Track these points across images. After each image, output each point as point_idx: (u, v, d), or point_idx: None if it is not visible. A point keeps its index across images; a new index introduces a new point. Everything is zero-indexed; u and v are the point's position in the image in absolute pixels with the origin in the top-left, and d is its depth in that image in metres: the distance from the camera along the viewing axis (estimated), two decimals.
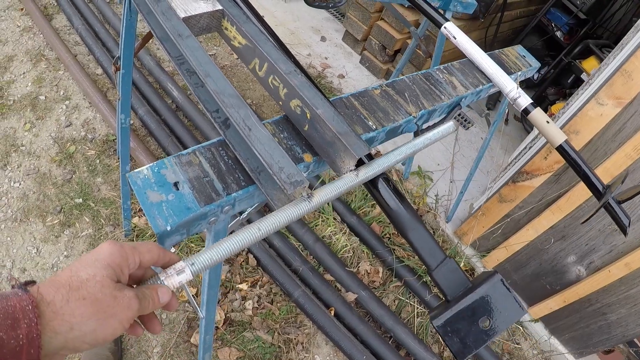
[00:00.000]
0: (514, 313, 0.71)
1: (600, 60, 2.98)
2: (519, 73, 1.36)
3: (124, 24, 1.22)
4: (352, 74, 3.28)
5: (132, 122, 1.91)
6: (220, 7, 0.92)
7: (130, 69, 1.39)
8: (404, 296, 2.14)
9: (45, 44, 2.75)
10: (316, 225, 2.23)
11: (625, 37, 1.71)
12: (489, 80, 1.19)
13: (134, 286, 0.52)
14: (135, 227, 1.94)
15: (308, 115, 0.77)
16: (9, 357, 0.36)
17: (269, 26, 0.96)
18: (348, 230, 2.27)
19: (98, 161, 2.22)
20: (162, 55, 2.83)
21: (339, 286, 2.05)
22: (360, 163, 0.76)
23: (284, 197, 0.70)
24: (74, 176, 2.15)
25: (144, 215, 1.99)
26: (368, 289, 2.01)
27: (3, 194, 2.03)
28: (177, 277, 0.55)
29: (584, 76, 3.05)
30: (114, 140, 2.31)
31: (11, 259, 1.85)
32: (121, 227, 1.94)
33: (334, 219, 2.29)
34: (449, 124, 0.92)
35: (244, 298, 1.87)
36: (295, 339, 1.84)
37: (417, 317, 2.10)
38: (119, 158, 2.15)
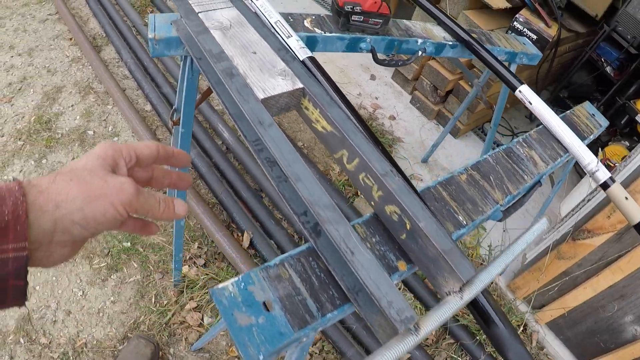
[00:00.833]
0: None
1: None
2: (592, 137, 1.31)
3: (185, 83, 1.18)
4: (403, 115, 3.22)
5: None
6: (301, 85, 0.87)
7: (190, 127, 1.35)
8: (456, 354, 2.04)
9: (94, 77, 2.78)
10: None
11: None
12: (566, 150, 1.15)
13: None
14: (185, 276, 1.90)
15: (407, 225, 0.71)
16: None
17: (354, 109, 0.91)
18: (403, 285, 2.20)
19: None
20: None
21: None
22: None
23: (385, 324, 0.64)
24: None
25: (194, 264, 1.96)
26: (421, 348, 1.93)
27: None
28: None
29: (639, 117, 2.93)
30: None
31: (56, 300, 1.84)
32: (170, 276, 1.90)
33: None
34: (543, 222, 0.84)
35: None
36: None
37: None
38: None
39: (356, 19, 1.18)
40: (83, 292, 1.88)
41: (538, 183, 1.13)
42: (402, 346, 0.60)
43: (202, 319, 1.85)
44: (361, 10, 1.17)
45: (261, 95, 0.81)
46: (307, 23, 1.18)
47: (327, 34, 1.18)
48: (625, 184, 1.82)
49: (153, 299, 1.87)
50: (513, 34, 1.69)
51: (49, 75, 2.74)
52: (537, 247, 2.53)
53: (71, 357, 1.69)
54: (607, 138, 3.29)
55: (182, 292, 1.88)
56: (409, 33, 1.35)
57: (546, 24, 2.61)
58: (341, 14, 1.17)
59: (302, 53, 0.99)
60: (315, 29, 1.17)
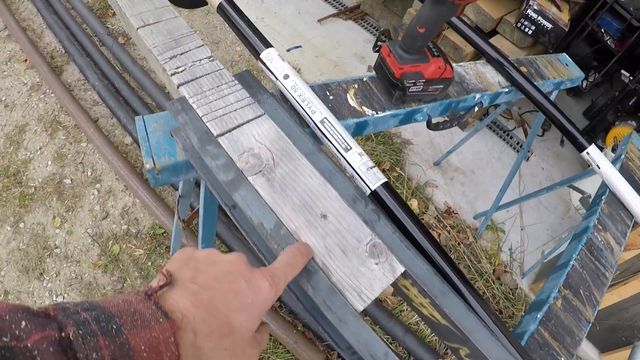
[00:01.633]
0: None
1: None
2: None
3: (203, 209, 0.93)
4: None
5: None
6: (402, 269, 0.62)
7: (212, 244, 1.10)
8: None
9: (59, 107, 2.41)
10: (401, 311, 1.97)
11: None
12: (631, 216, 1.13)
13: None
14: None
15: None
16: None
17: (474, 288, 0.66)
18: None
19: (150, 263, 1.91)
20: None
21: None
22: None
23: None
24: (125, 284, 1.85)
25: None
26: None
27: None
28: None
29: None
30: (163, 234, 2.00)
31: None
32: None
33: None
34: None
35: None
36: None
37: None
38: None
39: (415, 90, 0.91)
40: None
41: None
42: None
43: None
44: (423, 80, 0.90)
45: (360, 306, 0.56)
46: (351, 99, 0.91)
47: (380, 115, 0.91)
48: None
49: None
50: (554, 55, 1.45)
51: (7, 111, 2.36)
52: (556, 245, 2.47)
53: None
54: (612, 118, 3.14)
55: None
56: (465, 86, 1.09)
57: (558, 7, 2.42)
58: (397, 87, 0.90)
59: (372, 178, 0.73)
60: (364, 108, 0.90)
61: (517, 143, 3.15)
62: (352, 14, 3.45)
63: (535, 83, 1.19)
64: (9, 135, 2.26)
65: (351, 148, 0.75)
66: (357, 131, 0.92)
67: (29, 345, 0.29)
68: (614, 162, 1.28)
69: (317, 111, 0.77)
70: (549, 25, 2.36)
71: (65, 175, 2.13)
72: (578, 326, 0.87)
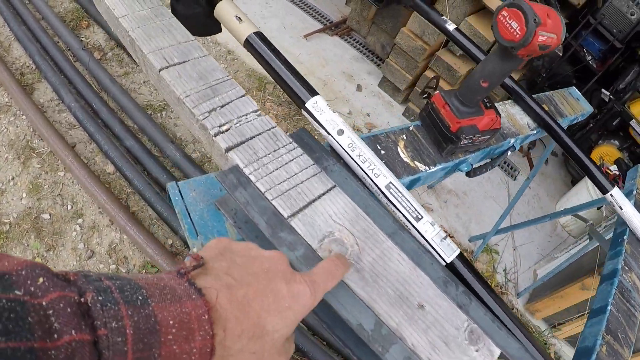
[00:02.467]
0: None
1: None
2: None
3: None
4: None
5: None
6: (498, 352, 0.56)
7: None
8: None
9: (32, 131, 2.24)
10: None
11: None
12: None
13: None
14: None
15: None
16: None
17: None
18: None
19: None
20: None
21: None
22: None
23: None
24: None
25: None
26: None
27: None
28: None
29: (633, 123, 2.87)
30: (156, 273, 1.87)
31: None
32: None
33: None
34: None
35: None
36: None
37: None
38: None
39: (466, 142, 0.86)
40: None
41: None
42: None
43: None
44: (479, 134, 0.85)
45: None
46: (402, 153, 0.85)
47: (432, 170, 0.85)
48: None
49: None
50: (566, 89, 1.46)
51: None
52: (548, 265, 2.54)
53: None
54: (597, 137, 3.22)
55: None
56: (501, 132, 1.05)
57: None
58: (451, 141, 0.84)
59: (447, 250, 0.67)
60: (417, 163, 0.85)
61: (505, 163, 3.19)
62: (338, 30, 3.41)
63: (559, 123, 1.16)
64: None
65: (422, 217, 0.68)
66: (409, 188, 0.86)
67: (43, 303, 0.26)
68: (628, 197, 1.29)
69: (380, 174, 0.70)
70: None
71: (43, 210, 1.97)
72: None
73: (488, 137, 0.91)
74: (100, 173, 2.12)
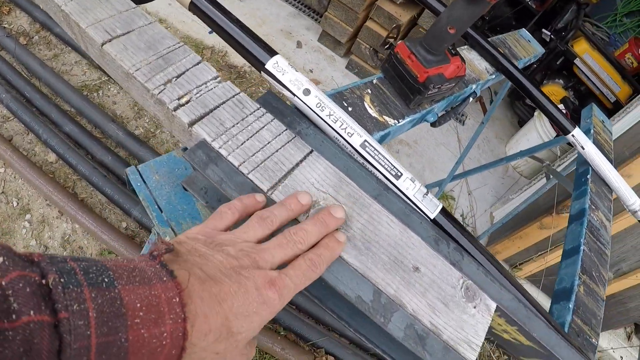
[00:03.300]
0: None
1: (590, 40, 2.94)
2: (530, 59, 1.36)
3: None
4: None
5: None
6: (494, 305, 0.56)
7: None
8: None
9: None
10: None
11: None
12: (610, 191, 1.16)
13: None
14: None
15: None
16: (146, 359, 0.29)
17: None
18: None
19: None
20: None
21: None
22: None
23: None
24: None
25: None
26: None
27: None
28: None
29: (577, 61, 2.94)
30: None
31: None
32: None
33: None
34: None
35: None
36: None
37: None
38: None
39: (433, 91, 0.83)
40: None
41: None
42: None
43: None
44: (447, 83, 0.82)
45: (473, 357, 0.51)
46: (370, 108, 0.81)
47: (400, 123, 0.83)
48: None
49: None
50: (516, 32, 1.46)
51: None
52: (504, 207, 2.61)
53: None
54: (540, 77, 3.30)
55: None
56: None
57: None
58: (418, 92, 0.81)
59: (430, 206, 0.65)
60: (385, 118, 0.81)
61: (462, 114, 3.23)
62: None
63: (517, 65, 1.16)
64: None
65: (402, 174, 0.65)
66: (380, 143, 0.82)
67: (2, 282, 0.25)
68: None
69: (354, 133, 0.66)
70: None
71: None
72: (597, 307, 0.89)
73: (454, 84, 0.89)
74: (43, 163, 1.97)
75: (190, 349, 0.33)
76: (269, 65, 0.70)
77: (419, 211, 0.65)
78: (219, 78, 0.64)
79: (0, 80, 2.16)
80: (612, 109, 2.93)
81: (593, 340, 0.83)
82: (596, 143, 1.30)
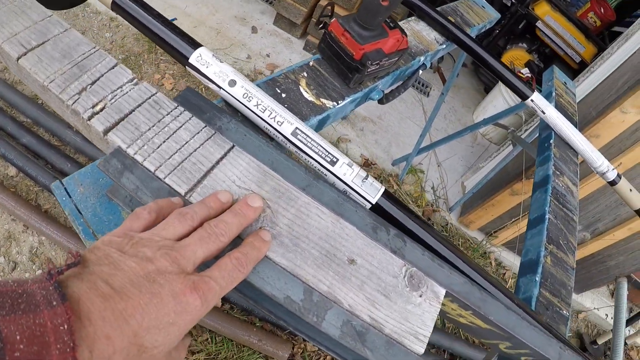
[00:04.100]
0: None
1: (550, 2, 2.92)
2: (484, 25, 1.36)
3: None
4: None
5: None
6: (443, 291, 0.54)
7: None
8: None
9: None
10: None
11: (630, 28, 1.85)
12: (576, 154, 1.16)
13: None
14: None
15: None
16: None
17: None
18: None
19: None
20: None
21: None
22: None
23: None
24: None
25: None
26: None
27: None
28: None
29: (540, 24, 2.92)
30: None
31: None
32: None
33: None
34: None
35: None
36: None
37: None
38: None
39: (373, 68, 0.80)
40: None
41: None
42: None
43: None
44: (386, 58, 0.79)
45: (421, 348, 0.48)
46: (305, 92, 0.78)
47: (340, 104, 0.79)
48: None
49: None
50: None
51: None
52: (475, 176, 2.60)
53: None
54: (503, 43, 3.27)
55: None
56: (409, 51, 1.00)
57: None
58: (357, 70, 0.78)
59: (370, 190, 0.62)
60: (323, 100, 0.78)
61: (416, 81, 3.19)
62: None
63: (468, 33, 1.13)
64: None
65: (338, 160, 0.62)
66: (318, 128, 0.79)
67: None
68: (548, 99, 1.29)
69: (284, 121, 0.63)
70: None
71: None
72: (567, 276, 0.88)
73: (396, 59, 0.85)
74: (3, 178, 1.91)
75: None
76: (192, 59, 0.67)
77: (358, 197, 0.62)
78: (135, 80, 0.61)
79: None
80: (578, 70, 2.92)
81: (564, 311, 0.81)
82: (559, 106, 1.28)
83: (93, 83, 0.58)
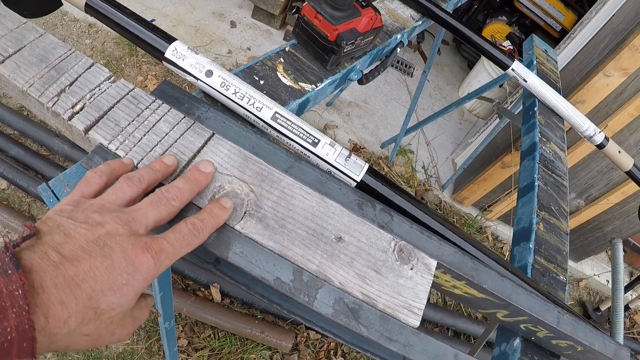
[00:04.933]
0: None
1: None
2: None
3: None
4: None
5: None
6: (434, 262, 0.54)
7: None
8: None
9: None
10: None
11: None
12: (561, 120, 1.15)
13: None
14: None
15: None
16: None
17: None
18: None
19: None
20: None
21: None
22: None
23: None
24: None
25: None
26: None
27: None
28: None
29: None
30: None
31: None
32: None
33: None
34: None
35: None
36: None
37: None
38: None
39: (349, 49, 0.80)
40: None
41: None
42: None
43: None
44: (360, 37, 0.79)
45: (416, 322, 0.49)
46: (283, 77, 0.77)
47: (319, 87, 0.79)
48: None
49: None
50: None
51: None
52: (465, 152, 2.60)
53: None
54: (482, 17, 3.26)
55: None
56: (384, 30, 1.01)
57: None
58: (332, 52, 0.78)
59: (354, 168, 0.63)
60: (301, 84, 0.78)
61: (399, 62, 3.17)
62: None
63: (444, 8, 1.13)
64: None
65: (319, 140, 0.63)
66: (299, 112, 0.79)
67: None
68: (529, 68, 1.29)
69: (263, 107, 0.63)
70: None
71: None
72: (561, 242, 0.88)
73: (371, 37, 0.85)
74: None
75: (50, 339, 0.32)
76: (168, 53, 0.67)
77: (343, 177, 0.62)
78: (113, 77, 0.61)
79: None
80: (560, 38, 2.92)
81: (560, 277, 0.82)
82: (541, 73, 1.28)
83: (71, 84, 0.58)
